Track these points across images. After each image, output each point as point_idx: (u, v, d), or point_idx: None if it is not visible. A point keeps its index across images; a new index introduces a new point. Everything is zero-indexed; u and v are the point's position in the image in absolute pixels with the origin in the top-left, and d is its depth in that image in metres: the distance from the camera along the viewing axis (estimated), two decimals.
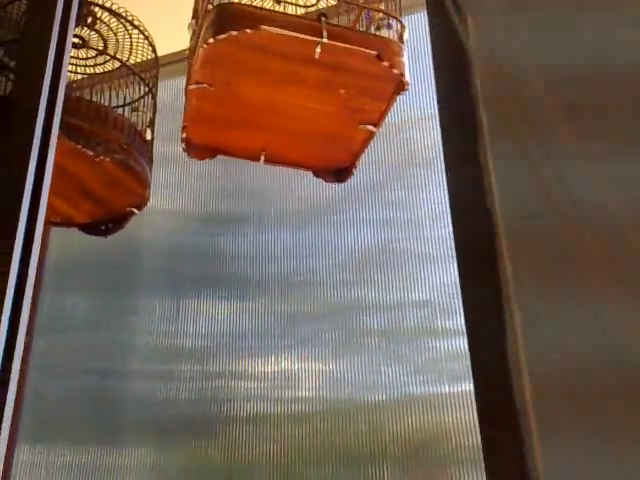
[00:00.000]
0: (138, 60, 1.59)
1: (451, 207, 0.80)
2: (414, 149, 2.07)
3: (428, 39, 1.88)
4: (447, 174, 0.81)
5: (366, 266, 1.98)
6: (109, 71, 1.57)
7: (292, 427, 1.85)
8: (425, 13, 1.86)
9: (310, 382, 1.90)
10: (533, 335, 0.66)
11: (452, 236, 2.05)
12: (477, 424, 1.65)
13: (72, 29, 1.11)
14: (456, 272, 1.76)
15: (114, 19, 1.51)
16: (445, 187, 1.99)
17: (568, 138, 0.66)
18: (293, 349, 1.96)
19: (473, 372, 0.75)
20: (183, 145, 1.38)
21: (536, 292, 0.67)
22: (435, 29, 0.80)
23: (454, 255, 1.96)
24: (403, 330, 1.85)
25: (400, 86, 1.24)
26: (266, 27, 1.14)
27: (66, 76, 1.09)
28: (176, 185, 2.33)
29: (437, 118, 2.12)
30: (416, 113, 2.07)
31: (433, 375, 1.76)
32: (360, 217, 2.06)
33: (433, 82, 2.00)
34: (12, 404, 0.89)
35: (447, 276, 1.86)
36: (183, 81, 1.37)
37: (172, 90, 1.96)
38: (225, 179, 2.28)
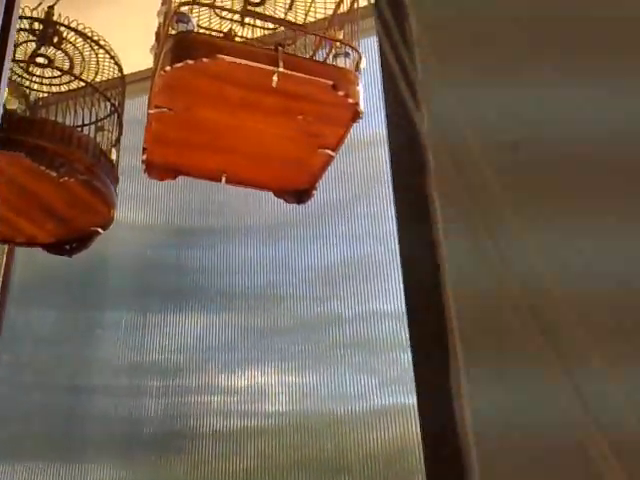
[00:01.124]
0: (104, 79, 1.60)
1: (404, 281, 0.82)
2: (380, 165, 2.09)
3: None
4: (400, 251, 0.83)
5: (335, 279, 1.99)
6: (74, 89, 1.59)
7: (262, 442, 1.85)
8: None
9: (279, 396, 1.91)
10: (479, 402, 0.69)
11: None
12: None
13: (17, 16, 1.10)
14: None
15: (80, 39, 1.53)
16: None
17: (511, 218, 0.69)
18: (262, 363, 1.97)
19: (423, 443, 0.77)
20: (144, 166, 1.39)
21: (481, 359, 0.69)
22: (391, 116, 0.82)
23: None
24: (372, 342, 1.87)
25: (355, 114, 1.27)
26: (223, 56, 1.16)
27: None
28: (142, 198, 2.34)
29: None
30: (382, 130, 2.10)
31: (403, 387, 1.78)
32: (329, 231, 2.08)
33: None
34: None
35: None
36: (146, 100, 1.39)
37: (139, 105, 1.97)
38: (192, 192, 2.29)
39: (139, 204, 2.36)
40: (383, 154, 2.10)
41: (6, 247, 2.24)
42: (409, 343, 0.79)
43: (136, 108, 1.96)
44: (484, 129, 0.75)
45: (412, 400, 1.75)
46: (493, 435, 0.68)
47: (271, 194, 2.29)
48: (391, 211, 2.05)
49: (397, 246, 1.99)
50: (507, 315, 0.69)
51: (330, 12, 1.36)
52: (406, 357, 1.81)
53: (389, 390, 1.79)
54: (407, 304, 0.77)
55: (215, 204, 2.27)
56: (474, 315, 0.72)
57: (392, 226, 2.00)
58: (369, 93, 1.42)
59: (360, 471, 1.73)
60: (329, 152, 1.37)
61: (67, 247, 1.62)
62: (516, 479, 0.68)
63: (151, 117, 1.31)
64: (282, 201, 2.29)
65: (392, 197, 0.91)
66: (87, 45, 1.53)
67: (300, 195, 1.49)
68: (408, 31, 0.75)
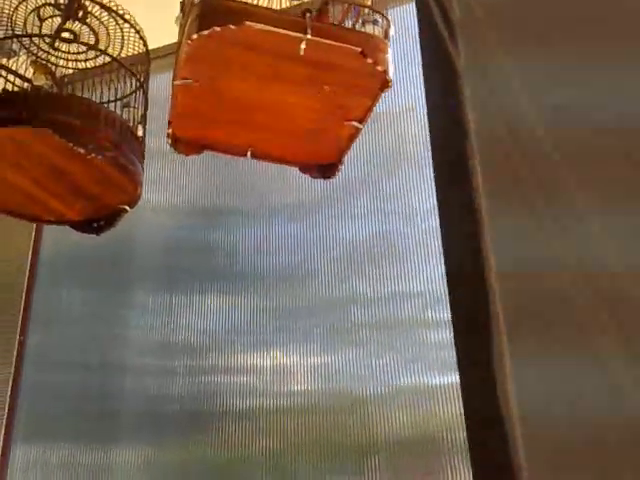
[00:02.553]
0: (129, 54, 1.59)
1: (446, 266, 0.79)
2: (407, 141, 2.07)
3: (416, 31, 1.87)
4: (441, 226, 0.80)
5: (359, 259, 1.98)
6: (100, 65, 1.58)
7: (286, 421, 1.86)
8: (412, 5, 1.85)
9: (303, 376, 1.91)
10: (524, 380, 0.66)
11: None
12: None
13: None
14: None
15: (105, 13, 1.52)
16: None
17: (568, 186, 0.66)
18: (286, 343, 1.97)
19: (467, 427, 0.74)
20: (169, 140, 1.38)
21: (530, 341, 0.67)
22: (428, 57, 0.79)
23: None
24: (396, 322, 1.85)
25: (384, 83, 1.24)
26: (250, 23, 1.14)
27: None
28: (169, 180, 2.34)
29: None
30: (411, 103, 2.06)
31: (426, 366, 1.76)
32: (353, 210, 2.07)
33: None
34: None
35: (440, 268, 1.86)
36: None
37: (163, 84, 1.97)
38: (218, 173, 2.29)
39: (165, 186, 2.36)
40: (411, 129, 2.07)
41: (34, 228, 2.25)
42: (451, 322, 0.76)
43: (160, 86, 1.95)
44: (528, 89, 0.72)
45: (437, 380, 1.74)
46: (538, 413, 0.66)
47: (296, 172, 2.29)
48: (418, 188, 2.04)
49: (424, 225, 1.98)
50: (554, 294, 0.66)
51: None
52: (430, 336, 1.79)
53: (413, 369, 1.78)
54: (448, 280, 0.74)
55: (241, 184, 2.26)
56: (519, 294, 0.69)
57: (418, 204, 1.98)
58: (397, 65, 1.39)
59: (384, 450, 1.72)
60: (356, 124, 1.35)
61: (95, 225, 1.61)
62: (562, 456, 0.65)
63: (176, 89, 1.29)
64: (306, 180, 2.29)
65: (430, 160, 0.88)
66: (112, 19, 1.52)
67: (326, 170, 1.47)
68: None
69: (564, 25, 0.73)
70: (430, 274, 1.87)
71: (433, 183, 1.95)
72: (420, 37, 0.79)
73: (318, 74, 1.24)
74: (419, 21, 0.79)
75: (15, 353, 2.19)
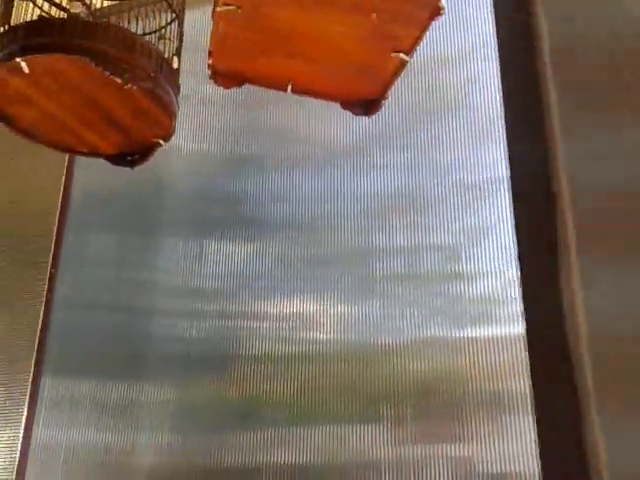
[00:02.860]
0: None
1: (512, 182, 0.76)
2: (439, 91, 2.03)
3: None
4: (509, 147, 0.76)
5: (386, 211, 1.97)
6: None
7: (308, 367, 1.87)
8: None
9: (327, 324, 1.92)
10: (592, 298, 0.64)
11: (476, 184, 2.01)
12: (495, 368, 1.65)
13: None
14: (478, 217, 1.74)
15: None
16: (476, 133, 1.93)
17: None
18: (311, 292, 1.97)
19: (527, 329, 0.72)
20: (209, 72, 1.35)
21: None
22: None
23: (477, 201, 1.93)
24: (422, 274, 1.85)
25: (435, 11, 1.19)
26: None
27: None
28: (198, 125, 2.32)
29: (463, 60, 2.06)
30: (446, 51, 2.01)
31: (451, 318, 1.76)
32: (382, 161, 2.05)
33: (467, 18, 1.94)
34: None
35: (468, 220, 1.85)
36: (209, 12, 1.33)
37: (197, 25, 1.93)
38: (247, 120, 2.27)
39: (195, 131, 2.35)
40: (444, 78, 2.02)
41: (65, 165, 2.25)
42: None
43: (191, 26, 1.91)
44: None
45: (458, 332, 1.74)
46: (606, 332, 0.64)
47: (326, 121, 2.25)
48: (449, 141, 2.01)
49: (454, 177, 1.95)
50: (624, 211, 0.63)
51: None
52: (452, 289, 1.79)
53: (435, 321, 1.77)
54: (514, 204, 0.71)
55: (270, 132, 2.25)
56: (590, 212, 0.66)
57: (449, 157, 1.95)
58: None
59: (404, 400, 1.73)
60: (403, 56, 1.31)
61: (129, 158, 1.60)
62: (628, 376, 0.64)
63: (218, 16, 1.25)
64: (334, 128, 2.25)
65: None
66: None
67: (368, 106, 1.44)
68: None
69: None
70: (459, 227, 1.85)
71: (466, 137, 1.93)
72: None
73: (365, 0, 1.20)
74: None
75: (46, 287, 2.21)
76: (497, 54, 1.67)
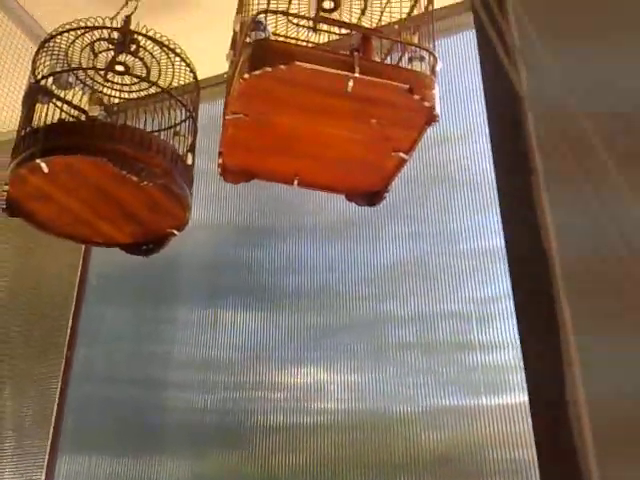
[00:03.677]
0: (179, 84, 1.64)
1: (507, 250, 0.80)
2: (445, 166, 2.09)
3: (460, 60, 1.90)
4: (502, 217, 0.81)
5: (397, 279, 2.01)
6: (152, 95, 1.63)
7: (322, 438, 1.88)
8: (457, 37, 1.89)
9: (340, 394, 1.93)
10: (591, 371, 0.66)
11: (484, 250, 2.05)
12: (510, 436, 1.66)
13: None
14: (486, 286, 1.78)
15: (157, 47, 1.57)
16: (476, 204, 1.99)
17: (617, 176, 0.66)
18: (324, 360, 2.00)
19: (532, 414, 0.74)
20: (219, 170, 1.43)
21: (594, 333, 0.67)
22: (487, 76, 0.81)
23: (486, 269, 1.97)
24: (434, 342, 1.87)
25: (431, 118, 1.26)
26: (300, 63, 1.18)
27: None
28: (211, 198, 2.39)
29: (467, 137, 2.14)
30: (446, 131, 2.09)
31: (464, 387, 1.78)
32: (392, 231, 2.10)
33: (463, 102, 2.03)
34: None
35: (478, 290, 1.88)
36: (222, 103, 1.42)
37: (212, 110, 2.02)
38: (258, 191, 2.33)
39: (208, 203, 2.42)
40: (445, 154, 2.09)
41: (83, 246, 2.32)
42: (515, 313, 0.77)
43: (209, 112, 2.01)
44: (583, 96, 0.73)
45: (471, 401, 1.75)
46: (606, 405, 0.66)
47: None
48: (452, 212, 2.07)
49: (460, 246, 2.00)
50: (616, 278, 0.67)
51: (405, 11, 1.36)
52: (465, 358, 1.81)
53: (448, 391, 1.79)
54: (510, 272, 0.75)
55: (281, 203, 2.31)
56: (583, 279, 0.70)
57: (454, 226, 2.00)
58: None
59: (416, 471, 1.74)
60: (403, 155, 1.38)
61: (144, 248, 1.67)
62: (630, 447, 0.66)
63: (227, 123, 1.34)
64: (342, 200, 2.32)
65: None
66: (163, 53, 1.57)
67: (372, 197, 1.50)
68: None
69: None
70: (469, 296, 1.88)
71: (471, 207, 1.99)
72: (481, 64, 0.80)
73: (365, 109, 1.27)
74: (479, 47, 0.81)
75: (62, 367, 2.26)
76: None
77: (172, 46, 1.55)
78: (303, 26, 1.38)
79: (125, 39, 1.54)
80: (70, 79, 1.55)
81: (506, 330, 1.78)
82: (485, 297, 1.86)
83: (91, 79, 1.59)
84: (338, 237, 2.16)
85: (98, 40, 1.55)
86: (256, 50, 1.20)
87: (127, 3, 1.66)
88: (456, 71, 2.01)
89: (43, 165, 1.43)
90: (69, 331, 2.27)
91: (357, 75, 1.19)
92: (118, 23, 1.57)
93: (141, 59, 1.57)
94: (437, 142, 2.12)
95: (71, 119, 1.57)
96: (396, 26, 1.38)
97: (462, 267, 1.93)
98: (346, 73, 1.19)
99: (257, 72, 1.17)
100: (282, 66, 1.17)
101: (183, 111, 1.61)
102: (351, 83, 1.20)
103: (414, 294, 1.96)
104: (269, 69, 1.17)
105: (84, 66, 1.55)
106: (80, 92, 1.58)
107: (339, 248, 2.15)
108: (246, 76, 1.18)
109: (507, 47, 0.69)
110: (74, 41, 1.51)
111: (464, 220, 1.99)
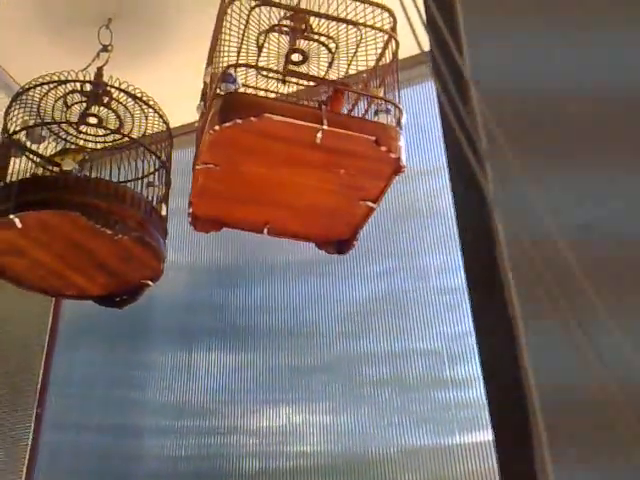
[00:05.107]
0: (152, 133, 1.66)
1: (484, 376, 0.79)
2: (417, 201, 2.11)
3: (427, 101, 1.93)
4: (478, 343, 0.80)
5: (370, 316, 2.02)
6: (125, 145, 1.65)
7: None
8: (421, 85, 1.92)
9: (316, 436, 1.92)
10: None
11: (456, 287, 2.05)
12: (484, 474, 1.65)
13: None
14: (457, 322, 1.79)
15: (130, 99, 1.60)
16: (449, 237, 1.99)
17: (598, 302, 0.67)
18: (299, 402, 1.99)
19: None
20: (190, 219, 1.44)
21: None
22: (459, 194, 0.81)
23: (458, 305, 1.97)
24: (407, 380, 1.87)
25: (397, 168, 1.30)
26: (270, 115, 1.21)
27: None
28: (183, 238, 2.39)
29: (439, 172, 2.17)
30: (418, 166, 2.12)
31: (438, 426, 1.78)
32: (364, 268, 2.11)
33: (434, 138, 2.06)
34: None
35: (452, 326, 1.89)
36: (192, 151, 1.43)
37: (184, 155, 2.04)
38: (231, 233, 2.34)
39: (179, 244, 2.42)
40: (414, 189, 2.12)
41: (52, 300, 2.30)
42: (491, 430, 0.77)
43: (181, 158, 2.02)
44: (559, 210, 0.75)
45: (445, 440, 1.75)
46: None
47: None
48: (423, 246, 2.09)
49: (431, 282, 2.01)
50: (598, 411, 0.67)
51: (371, 64, 1.40)
52: (439, 395, 1.81)
53: (422, 430, 1.79)
54: (486, 389, 0.74)
55: (251, 243, 2.31)
56: (562, 411, 0.70)
57: (424, 261, 2.02)
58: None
59: None
60: (371, 204, 1.41)
61: (117, 299, 1.66)
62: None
63: (198, 173, 1.36)
64: None
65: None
66: (136, 104, 1.60)
67: (341, 246, 1.52)
68: (470, 101, 0.76)
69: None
70: (442, 332, 1.90)
71: (445, 242, 2.01)
72: (449, 167, 0.82)
73: (334, 159, 1.30)
74: (446, 149, 0.83)
75: (34, 417, 2.21)
76: None
77: (145, 98, 1.58)
78: (272, 78, 1.42)
79: (97, 91, 1.56)
80: (43, 132, 1.57)
81: (477, 366, 1.79)
82: (456, 333, 1.87)
83: (65, 131, 1.61)
84: (310, 275, 2.17)
85: (71, 92, 1.57)
86: (226, 102, 1.23)
87: (98, 55, 1.69)
88: (422, 111, 2.07)
89: (17, 221, 1.43)
90: (40, 378, 2.23)
91: (325, 127, 1.22)
92: (90, 75, 1.60)
93: (114, 111, 1.59)
94: (412, 175, 2.15)
95: (45, 173, 1.57)
96: (364, 75, 1.43)
97: (433, 303, 1.95)
98: (315, 125, 1.23)
99: (228, 124, 1.20)
100: (252, 118, 1.20)
101: (157, 161, 1.63)
102: (320, 135, 1.23)
103: (387, 331, 1.97)
104: (239, 121, 1.20)
105: (57, 119, 1.56)
106: (54, 144, 1.59)
107: (311, 286, 2.16)
108: (217, 128, 1.21)
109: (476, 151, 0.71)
110: (46, 94, 1.53)
111: (436, 256, 2.01)
